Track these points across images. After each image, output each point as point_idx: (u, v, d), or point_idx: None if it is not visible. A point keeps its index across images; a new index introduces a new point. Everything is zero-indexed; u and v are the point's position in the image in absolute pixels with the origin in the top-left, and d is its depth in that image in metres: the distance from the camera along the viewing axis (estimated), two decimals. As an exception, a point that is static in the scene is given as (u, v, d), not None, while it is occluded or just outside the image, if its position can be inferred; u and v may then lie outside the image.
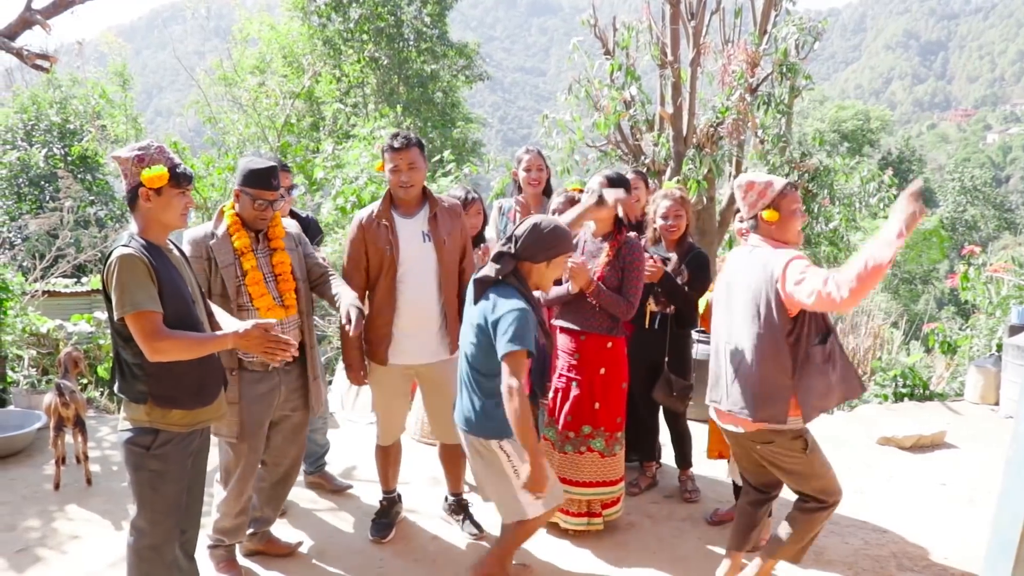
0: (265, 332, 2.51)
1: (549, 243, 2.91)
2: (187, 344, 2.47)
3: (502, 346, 2.78)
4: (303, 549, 3.65)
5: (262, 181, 3.11)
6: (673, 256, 4.05)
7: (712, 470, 4.53)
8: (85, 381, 6.30)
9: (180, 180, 2.53)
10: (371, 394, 3.75)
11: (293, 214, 4.14)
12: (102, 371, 6.46)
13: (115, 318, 2.45)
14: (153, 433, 2.55)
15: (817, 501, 3.02)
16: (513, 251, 2.93)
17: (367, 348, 3.59)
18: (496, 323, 2.82)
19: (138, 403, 2.54)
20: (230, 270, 3.10)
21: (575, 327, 3.65)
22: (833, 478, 3.03)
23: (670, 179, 6.27)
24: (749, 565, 3.25)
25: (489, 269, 2.93)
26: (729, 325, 3.02)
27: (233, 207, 3.19)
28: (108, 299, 2.48)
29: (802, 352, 2.88)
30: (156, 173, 2.47)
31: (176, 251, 2.70)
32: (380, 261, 3.45)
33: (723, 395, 3.02)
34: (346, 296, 3.21)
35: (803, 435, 2.94)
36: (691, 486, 4.36)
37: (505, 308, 2.81)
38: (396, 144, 3.40)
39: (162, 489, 2.59)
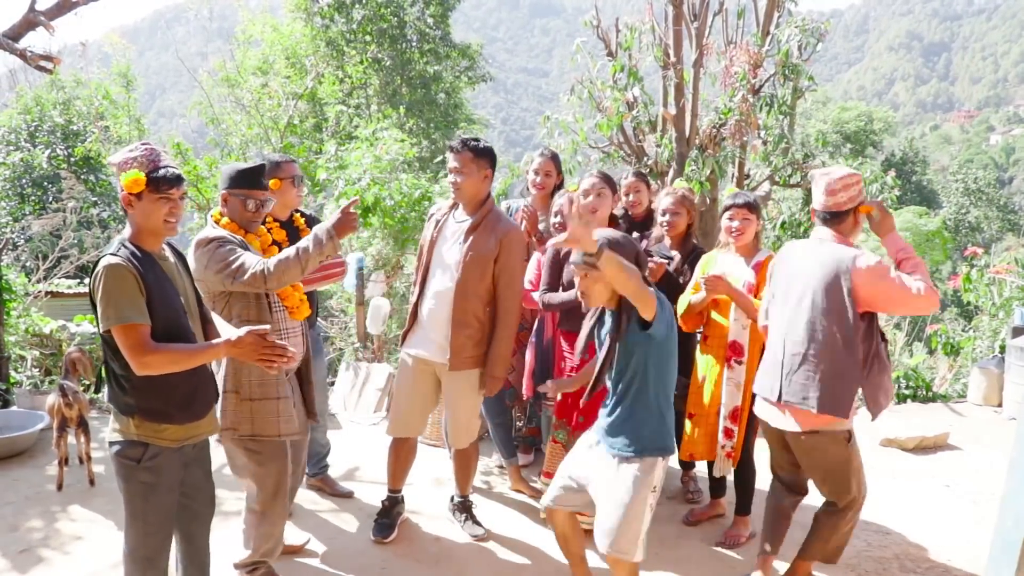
0: (260, 339, 2.41)
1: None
2: (176, 356, 2.38)
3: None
4: (307, 548, 3.65)
5: (252, 180, 3.04)
6: (676, 255, 4.04)
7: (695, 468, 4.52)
8: (87, 383, 6.31)
9: (159, 185, 2.39)
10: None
11: (299, 212, 4.11)
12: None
13: (101, 329, 2.37)
14: (143, 446, 2.47)
15: (843, 505, 3.11)
16: None
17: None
18: None
19: (126, 416, 2.46)
20: None
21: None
22: (863, 479, 3.13)
23: (673, 180, 6.26)
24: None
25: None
26: (792, 318, 3.04)
27: (221, 215, 3.08)
28: (95, 308, 2.40)
29: (873, 348, 2.96)
30: (131, 178, 2.36)
31: (171, 258, 2.59)
32: (423, 249, 3.67)
33: (779, 386, 3.04)
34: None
35: (851, 432, 3.04)
36: (693, 487, 4.36)
37: None
38: (451, 145, 3.52)
39: (153, 500, 2.52)
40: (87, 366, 4.71)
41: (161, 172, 2.40)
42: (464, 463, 3.86)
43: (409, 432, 3.78)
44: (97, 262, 2.39)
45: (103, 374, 2.55)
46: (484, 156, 3.48)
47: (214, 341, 2.52)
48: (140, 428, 2.46)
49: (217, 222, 3.07)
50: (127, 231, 2.48)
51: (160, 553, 2.61)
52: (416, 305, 3.67)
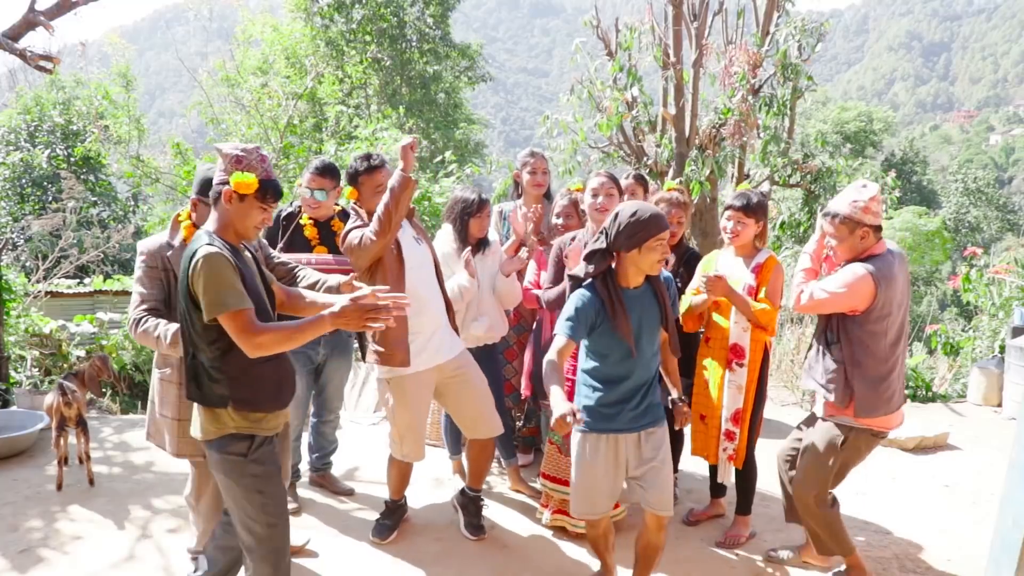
0: (360, 306, 2.40)
1: (633, 229, 2.81)
2: (286, 334, 2.41)
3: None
4: (307, 548, 3.65)
5: None
6: (672, 257, 4.04)
7: (694, 467, 4.51)
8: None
9: (266, 194, 2.49)
10: (394, 410, 3.59)
11: (346, 214, 4.10)
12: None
13: (205, 319, 2.38)
14: (247, 439, 2.51)
15: None
16: (606, 244, 2.89)
17: (384, 357, 3.49)
18: None
19: (218, 407, 2.49)
20: None
21: None
22: None
23: (672, 180, 6.26)
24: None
25: (580, 268, 2.94)
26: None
27: (189, 216, 3.09)
28: (190, 300, 2.42)
29: None
30: (245, 180, 2.43)
31: (247, 251, 2.65)
32: (389, 264, 3.42)
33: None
34: (332, 279, 3.13)
35: None
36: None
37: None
38: (375, 163, 3.48)
39: (268, 490, 2.55)
40: (97, 376, 4.73)
41: (273, 183, 2.50)
42: (485, 456, 3.79)
43: (424, 450, 3.73)
44: (193, 254, 2.40)
45: (191, 368, 2.53)
46: (329, 173, 3.68)
47: (319, 314, 2.48)
48: (237, 420, 2.50)
49: (178, 223, 3.08)
50: (210, 224, 2.52)
51: (287, 542, 2.63)
52: (402, 323, 3.45)
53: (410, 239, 3.54)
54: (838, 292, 3.07)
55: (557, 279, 3.80)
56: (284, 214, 4.03)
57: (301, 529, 3.85)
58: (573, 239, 3.74)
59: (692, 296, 3.71)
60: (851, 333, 3.12)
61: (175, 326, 2.85)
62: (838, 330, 3.16)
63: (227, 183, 2.46)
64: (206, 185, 2.99)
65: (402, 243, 3.47)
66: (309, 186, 3.91)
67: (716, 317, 3.73)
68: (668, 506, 2.97)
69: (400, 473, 3.78)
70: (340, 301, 2.44)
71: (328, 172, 3.97)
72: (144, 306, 2.97)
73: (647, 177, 4.78)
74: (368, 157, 3.46)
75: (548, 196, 4.54)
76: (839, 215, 3.11)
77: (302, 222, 3.96)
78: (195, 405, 2.56)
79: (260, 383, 2.52)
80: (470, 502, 3.91)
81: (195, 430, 2.58)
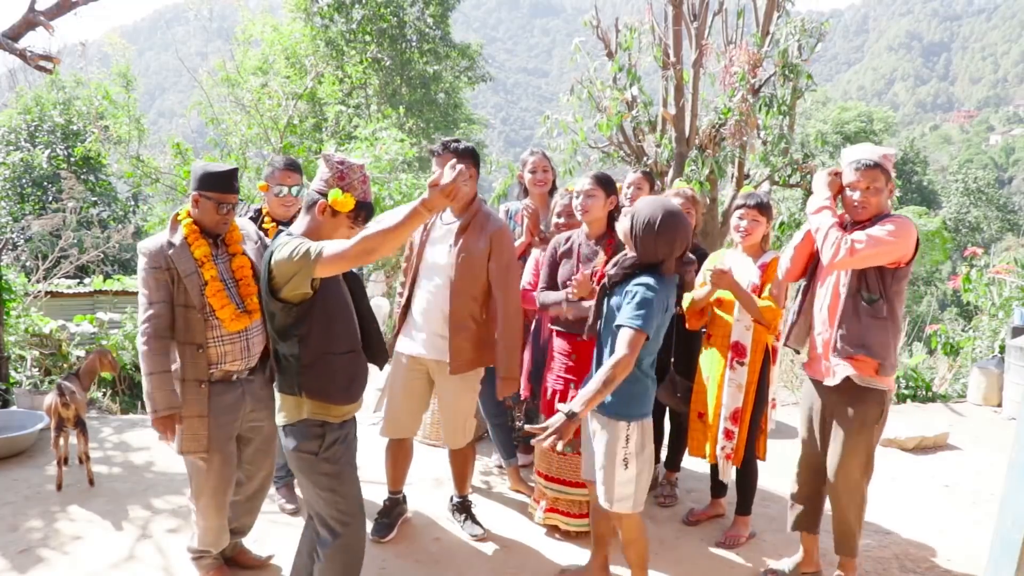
0: (441, 187, 2.36)
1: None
2: (380, 233, 2.34)
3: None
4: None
5: (224, 184, 3.00)
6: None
7: (694, 467, 4.51)
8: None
9: (359, 215, 2.57)
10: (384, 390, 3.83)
11: None
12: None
13: (310, 286, 2.43)
14: (319, 432, 2.59)
15: None
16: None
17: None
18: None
19: (294, 395, 2.60)
20: (192, 279, 2.98)
21: (572, 330, 3.63)
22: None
23: (673, 180, 6.26)
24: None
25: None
26: None
27: (188, 214, 3.06)
28: (271, 292, 2.48)
29: None
30: (343, 199, 2.49)
31: None
32: (412, 250, 3.66)
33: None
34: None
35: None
36: (669, 491, 4.30)
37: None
38: (432, 149, 3.54)
39: (341, 489, 2.65)
40: (96, 370, 4.73)
41: (367, 207, 2.59)
42: (461, 464, 3.87)
43: (403, 433, 3.78)
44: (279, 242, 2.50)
45: (274, 357, 2.67)
46: (467, 156, 3.46)
47: (412, 207, 2.40)
48: (311, 406, 2.60)
49: (177, 221, 3.06)
50: (298, 228, 2.59)
51: (362, 544, 2.74)
52: (406, 306, 3.67)
53: (446, 239, 3.54)
54: (889, 240, 2.93)
55: (550, 279, 3.78)
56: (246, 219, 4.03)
57: (295, 528, 3.84)
58: (568, 239, 3.74)
59: (695, 289, 3.70)
60: (889, 289, 3.04)
61: (163, 377, 2.93)
62: (879, 286, 3.04)
63: (325, 196, 2.51)
64: (204, 180, 2.99)
65: (430, 238, 3.58)
66: (283, 183, 3.81)
67: (719, 314, 3.73)
68: (609, 500, 2.96)
69: (393, 457, 3.82)
70: (423, 195, 2.42)
71: (296, 167, 3.93)
72: (150, 311, 2.95)
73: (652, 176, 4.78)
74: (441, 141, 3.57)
75: (553, 193, 4.53)
76: (878, 164, 3.07)
77: (265, 226, 3.84)
78: (276, 394, 2.69)
79: (333, 375, 2.61)
80: (459, 507, 3.96)
81: (277, 416, 2.70)
